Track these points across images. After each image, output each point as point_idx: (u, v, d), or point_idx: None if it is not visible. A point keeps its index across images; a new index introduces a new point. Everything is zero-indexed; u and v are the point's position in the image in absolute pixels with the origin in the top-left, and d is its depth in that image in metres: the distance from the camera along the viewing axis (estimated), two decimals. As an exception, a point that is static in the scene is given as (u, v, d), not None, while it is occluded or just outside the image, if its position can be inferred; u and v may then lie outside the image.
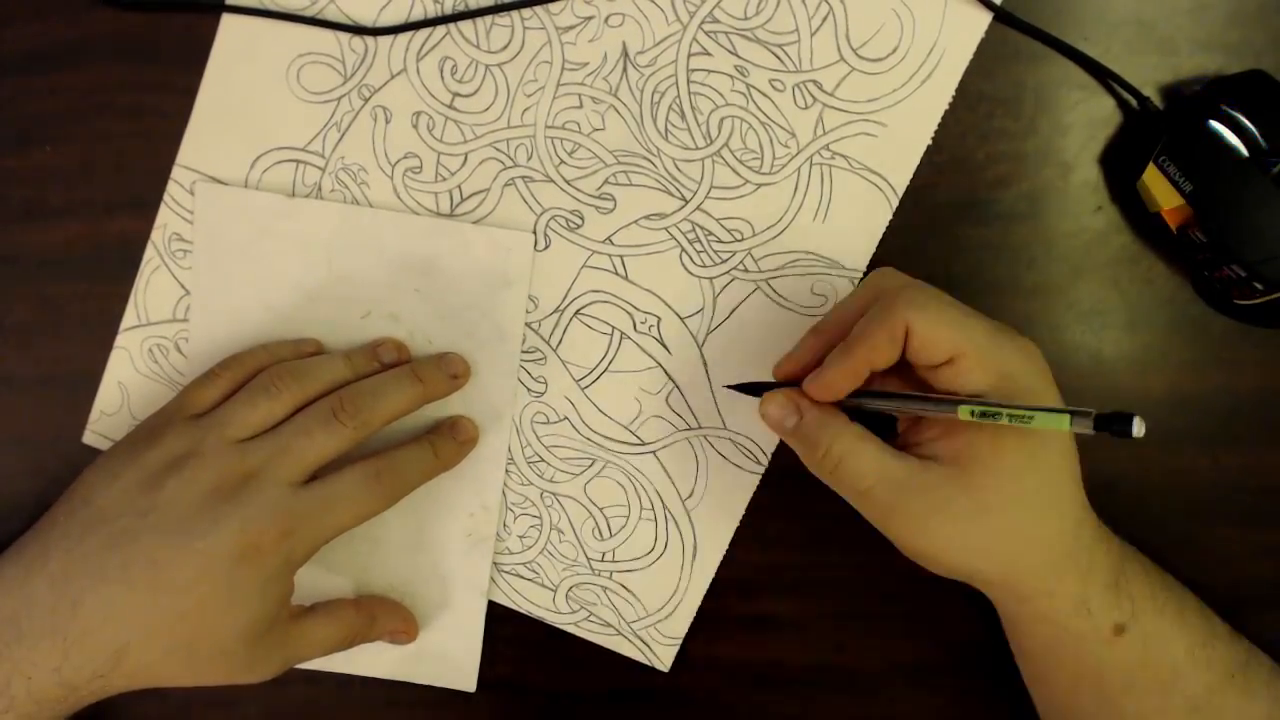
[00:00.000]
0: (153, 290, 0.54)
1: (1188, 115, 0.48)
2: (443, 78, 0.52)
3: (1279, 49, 0.50)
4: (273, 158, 0.53)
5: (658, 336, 0.53)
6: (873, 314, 0.43)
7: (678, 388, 0.53)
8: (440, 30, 0.52)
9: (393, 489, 0.49)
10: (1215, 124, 0.47)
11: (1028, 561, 0.43)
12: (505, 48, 0.52)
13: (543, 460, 0.54)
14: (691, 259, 0.52)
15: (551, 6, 0.51)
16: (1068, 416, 0.36)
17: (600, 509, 0.54)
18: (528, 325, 0.53)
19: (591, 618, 0.55)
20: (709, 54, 0.51)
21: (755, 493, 0.54)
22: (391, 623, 0.53)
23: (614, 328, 0.53)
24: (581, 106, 0.52)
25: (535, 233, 0.53)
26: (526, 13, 0.51)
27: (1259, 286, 0.47)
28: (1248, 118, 0.47)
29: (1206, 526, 0.53)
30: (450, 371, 0.52)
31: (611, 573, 0.54)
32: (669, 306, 0.53)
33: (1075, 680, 0.47)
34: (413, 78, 0.52)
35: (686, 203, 0.52)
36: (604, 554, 0.54)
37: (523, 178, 0.52)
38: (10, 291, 0.53)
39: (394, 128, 0.52)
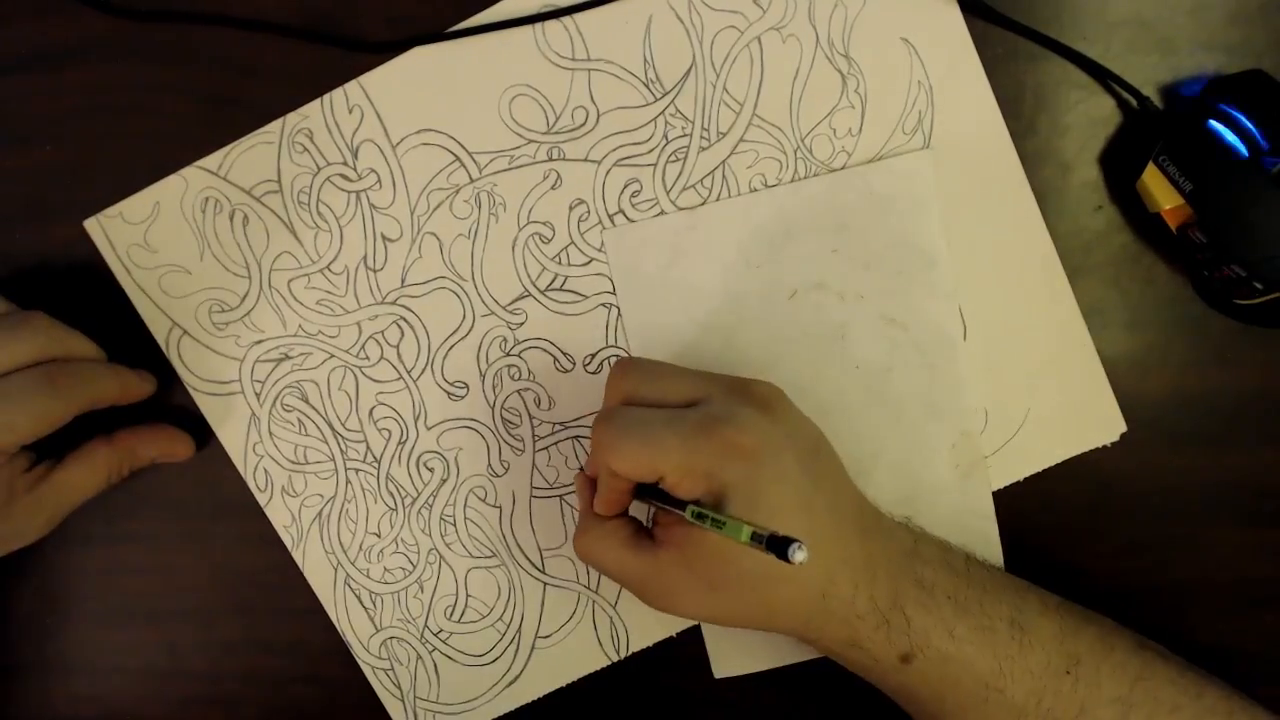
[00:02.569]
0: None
1: (1187, 115, 0.47)
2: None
3: (1279, 49, 0.50)
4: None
5: None
6: (591, 460, 0.47)
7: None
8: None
9: (70, 390, 0.47)
10: (1215, 124, 0.47)
11: (776, 621, 0.46)
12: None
13: (455, 528, 0.54)
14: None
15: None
16: (745, 529, 0.38)
17: (467, 595, 0.55)
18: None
19: (391, 672, 0.55)
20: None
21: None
22: (158, 446, 0.53)
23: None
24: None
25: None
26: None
27: (1259, 286, 0.47)
28: (1247, 117, 0.46)
29: (1206, 526, 0.53)
30: (144, 378, 0.52)
31: (435, 649, 0.55)
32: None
33: (896, 696, 0.49)
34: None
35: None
36: (440, 631, 0.55)
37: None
38: (10, 291, 0.53)
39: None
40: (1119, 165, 0.51)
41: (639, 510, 0.52)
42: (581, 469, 0.54)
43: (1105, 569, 0.53)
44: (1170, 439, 0.52)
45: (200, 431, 0.54)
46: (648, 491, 0.46)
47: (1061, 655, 0.46)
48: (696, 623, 0.54)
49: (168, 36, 0.53)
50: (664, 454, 0.43)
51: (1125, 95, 0.50)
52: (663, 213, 0.52)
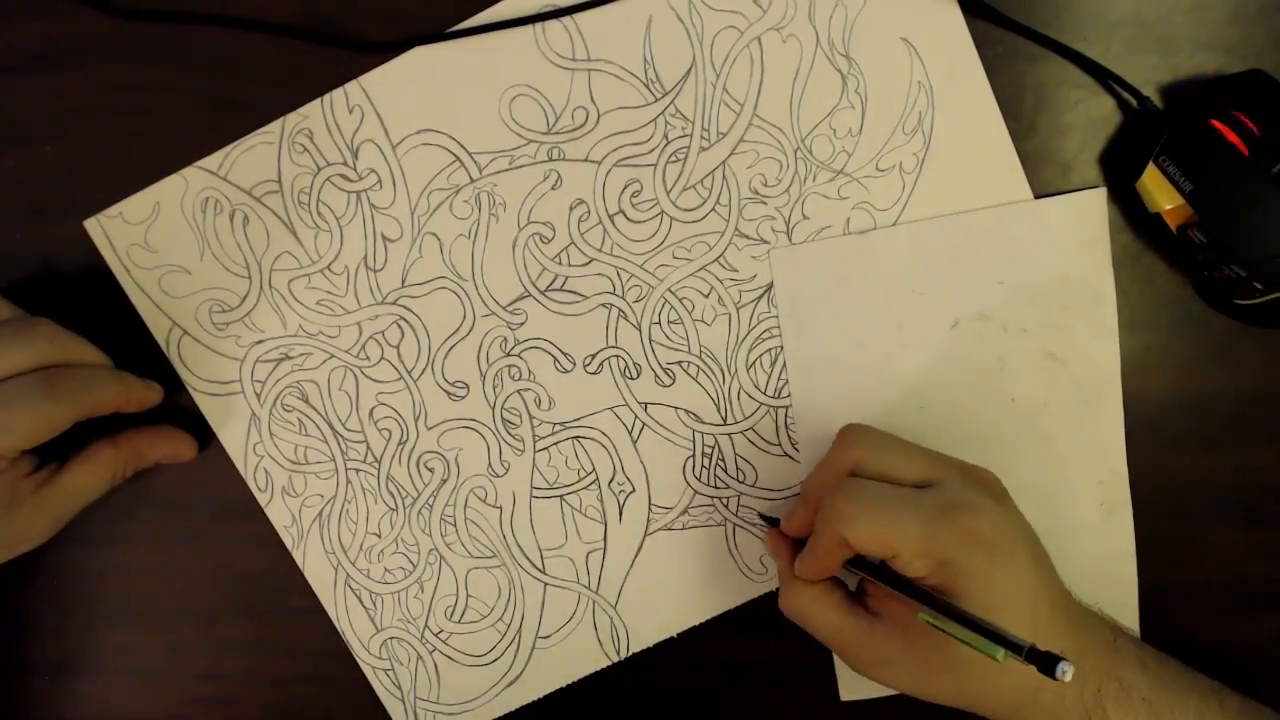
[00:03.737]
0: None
1: (1187, 115, 0.47)
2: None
3: (1279, 49, 0.50)
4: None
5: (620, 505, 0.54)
6: (816, 526, 0.46)
7: (604, 551, 0.54)
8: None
9: (69, 395, 0.47)
10: (1215, 124, 0.47)
11: (985, 707, 0.46)
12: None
13: (455, 527, 0.55)
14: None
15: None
16: (1001, 650, 0.38)
17: (467, 596, 0.55)
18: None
19: (391, 672, 0.55)
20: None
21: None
22: (161, 448, 0.53)
23: (595, 469, 0.54)
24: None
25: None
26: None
27: (1259, 286, 0.47)
28: (1248, 117, 0.46)
29: (1206, 526, 0.53)
30: (150, 387, 0.52)
31: (435, 649, 0.55)
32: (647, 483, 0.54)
33: None
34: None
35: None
36: (440, 631, 0.55)
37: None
38: (10, 292, 0.53)
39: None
40: (1119, 165, 0.51)
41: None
42: (773, 525, 0.52)
43: (1105, 569, 0.53)
44: (1170, 439, 0.52)
45: (201, 431, 0.54)
46: (865, 565, 0.46)
47: None
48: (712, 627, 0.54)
49: (168, 36, 0.53)
50: (903, 533, 0.43)
51: (1125, 95, 0.50)
52: (662, 211, 0.52)
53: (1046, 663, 0.36)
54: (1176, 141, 0.47)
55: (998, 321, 0.52)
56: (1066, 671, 0.36)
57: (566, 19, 0.51)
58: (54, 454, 0.50)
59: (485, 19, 0.51)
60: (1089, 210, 0.51)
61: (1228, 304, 0.50)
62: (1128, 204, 0.51)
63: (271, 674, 0.56)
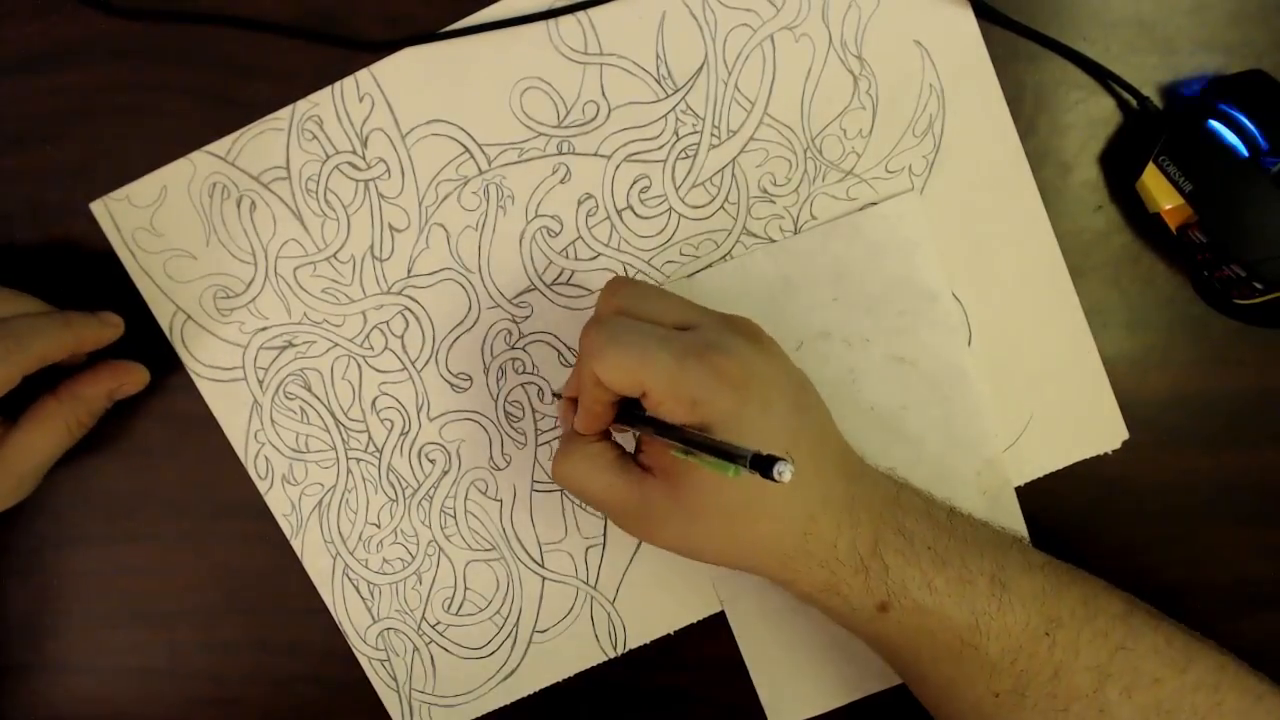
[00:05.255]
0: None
1: (1187, 115, 0.48)
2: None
3: (1279, 49, 0.50)
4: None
5: None
6: (576, 369, 0.46)
7: (604, 546, 0.54)
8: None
9: (10, 352, 0.46)
10: (1215, 124, 0.47)
11: (756, 559, 0.46)
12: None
13: (455, 520, 0.54)
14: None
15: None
16: (732, 467, 0.37)
17: (466, 588, 0.55)
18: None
19: (387, 663, 0.55)
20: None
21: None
22: (104, 385, 0.52)
23: None
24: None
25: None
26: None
27: (1259, 286, 0.47)
28: (1248, 117, 0.47)
29: (1206, 526, 0.53)
30: (105, 321, 0.51)
31: (432, 641, 0.55)
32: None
33: (872, 645, 0.48)
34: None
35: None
36: (438, 623, 0.55)
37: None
38: (13, 272, 0.53)
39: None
40: (1119, 165, 0.51)
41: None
42: (559, 394, 0.52)
43: (1105, 569, 0.52)
44: (1170, 439, 0.53)
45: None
46: (629, 414, 0.45)
47: (1041, 616, 0.45)
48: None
49: (168, 36, 0.53)
50: (654, 368, 0.42)
51: (1125, 95, 0.51)
52: (670, 208, 0.53)
53: (766, 466, 0.35)
54: (1176, 141, 0.48)
55: (839, 337, 0.53)
56: (784, 471, 0.34)
57: (580, 13, 0.51)
58: (4, 413, 0.50)
59: (495, 14, 0.52)
60: (903, 216, 0.52)
61: (1228, 304, 0.50)
62: (1128, 204, 0.51)
63: (271, 674, 0.56)
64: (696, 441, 0.40)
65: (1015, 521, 0.53)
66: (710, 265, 0.53)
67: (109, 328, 0.51)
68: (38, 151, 0.54)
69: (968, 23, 0.51)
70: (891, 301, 0.52)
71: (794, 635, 0.54)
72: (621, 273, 0.53)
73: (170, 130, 0.53)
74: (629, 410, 0.46)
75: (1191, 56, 0.50)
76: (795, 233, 0.52)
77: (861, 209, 0.52)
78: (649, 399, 0.43)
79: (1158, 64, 0.51)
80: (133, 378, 0.52)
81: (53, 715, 0.57)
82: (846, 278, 0.52)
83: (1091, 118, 0.51)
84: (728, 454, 0.37)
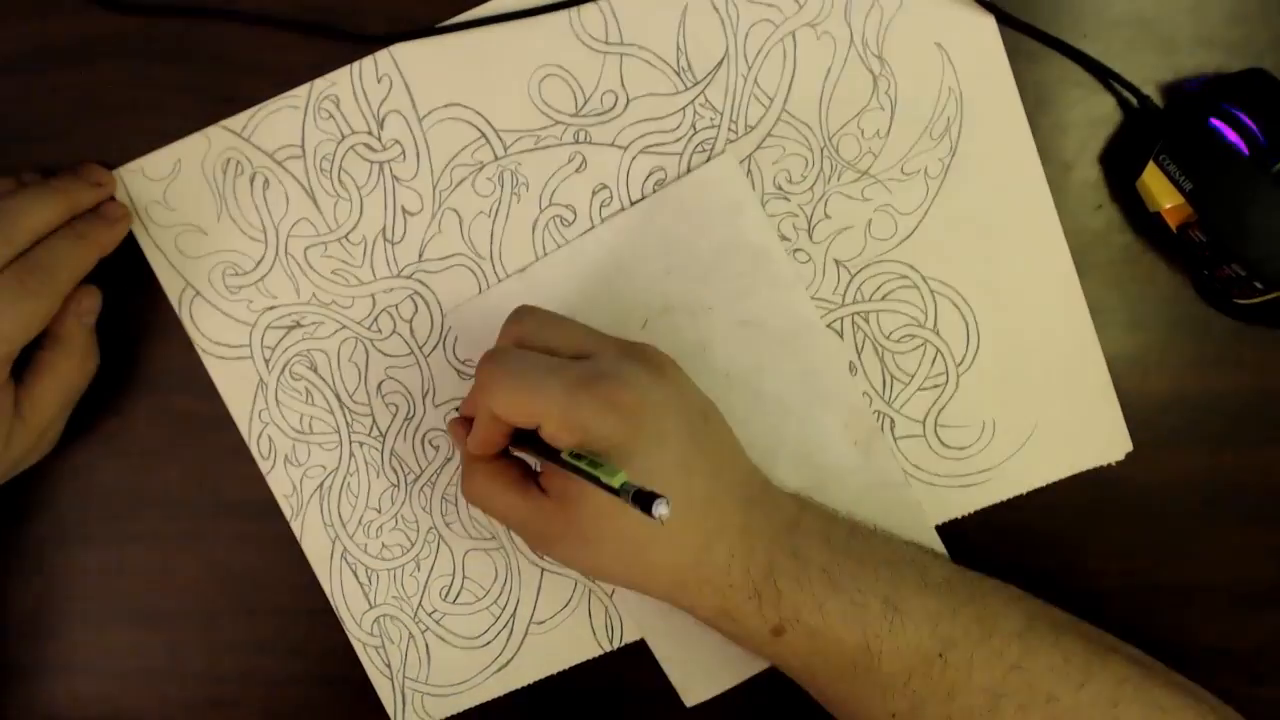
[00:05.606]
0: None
1: (1188, 114, 0.48)
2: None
3: (1279, 48, 0.51)
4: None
5: None
6: (468, 398, 0.47)
7: None
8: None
9: (43, 284, 0.47)
10: (1215, 122, 0.48)
11: (652, 584, 0.46)
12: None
13: (456, 508, 0.54)
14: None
15: None
16: (619, 475, 0.38)
17: (464, 577, 0.54)
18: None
19: (381, 650, 0.54)
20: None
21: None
22: (71, 313, 0.50)
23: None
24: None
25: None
26: None
27: (1259, 286, 0.47)
28: (1248, 116, 0.47)
29: (1206, 526, 0.53)
30: (92, 179, 0.51)
31: (427, 629, 0.54)
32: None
33: (774, 664, 0.49)
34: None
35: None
36: (434, 611, 0.54)
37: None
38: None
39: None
40: (1119, 164, 0.51)
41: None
42: (457, 411, 0.53)
43: (1105, 569, 0.53)
44: (1170, 439, 0.53)
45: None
46: (525, 439, 0.45)
47: (934, 639, 0.45)
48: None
49: (168, 34, 0.53)
50: (544, 401, 0.42)
51: (1125, 94, 0.51)
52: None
53: (645, 500, 0.36)
54: (1176, 140, 0.48)
55: (682, 309, 0.53)
56: (660, 507, 0.35)
57: (602, 1, 0.52)
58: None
59: (512, 6, 0.52)
60: (721, 179, 0.52)
61: (1228, 304, 0.50)
62: (1128, 203, 0.52)
63: (271, 674, 0.55)
64: (583, 474, 0.40)
65: (892, 467, 0.53)
66: (537, 260, 0.53)
67: (99, 187, 0.51)
68: (38, 151, 0.54)
69: (989, 28, 0.51)
70: (725, 266, 0.52)
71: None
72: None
73: (170, 128, 0.53)
74: (524, 436, 0.46)
75: (1192, 55, 0.51)
76: (809, 231, 0.53)
77: (679, 178, 0.53)
78: (544, 430, 0.43)
79: (1158, 62, 0.51)
80: (88, 299, 0.51)
81: (53, 715, 0.56)
82: (676, 249, 0.52)
83: (1091, 116, 0.52)
84: (610, 489, 0.38)
